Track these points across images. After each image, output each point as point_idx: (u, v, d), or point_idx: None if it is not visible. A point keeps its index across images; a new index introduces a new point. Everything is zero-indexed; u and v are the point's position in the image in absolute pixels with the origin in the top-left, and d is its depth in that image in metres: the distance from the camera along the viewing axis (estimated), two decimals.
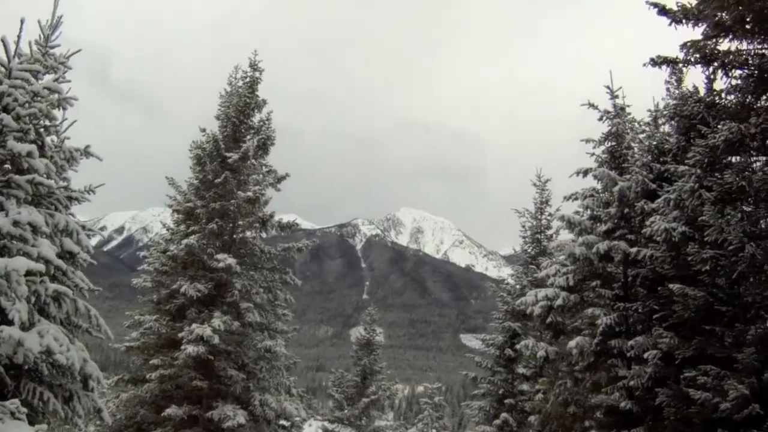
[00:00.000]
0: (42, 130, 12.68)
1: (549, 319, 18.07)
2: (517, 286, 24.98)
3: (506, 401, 23.38)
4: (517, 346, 20.45)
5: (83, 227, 13.08)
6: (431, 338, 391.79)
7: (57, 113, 12.91)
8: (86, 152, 13.42)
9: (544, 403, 19.35)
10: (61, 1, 13.10)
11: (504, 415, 22.81)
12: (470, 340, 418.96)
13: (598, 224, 17.87)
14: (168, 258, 21.80)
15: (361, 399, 27.64)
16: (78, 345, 12.21)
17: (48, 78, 12.87)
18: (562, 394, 17.99)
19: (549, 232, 24.99)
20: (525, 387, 23.24)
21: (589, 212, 18.32)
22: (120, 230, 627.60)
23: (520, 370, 23.51)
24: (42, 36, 13.05)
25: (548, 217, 25.11)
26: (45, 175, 11.58)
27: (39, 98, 12.04)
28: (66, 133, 13.29)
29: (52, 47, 13.14)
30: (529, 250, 25.27)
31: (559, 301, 17.37)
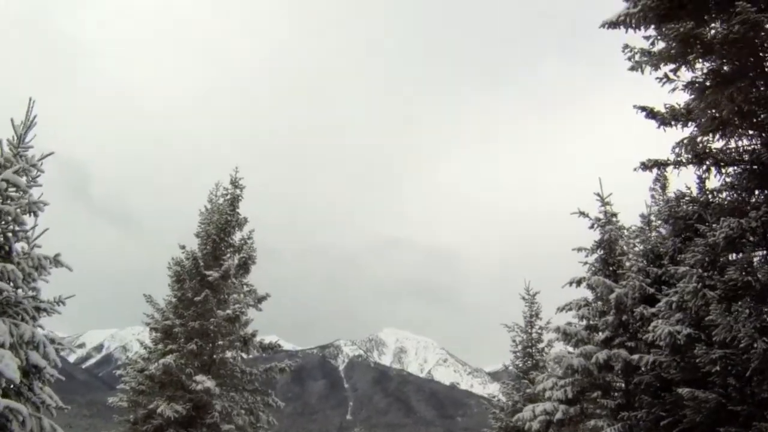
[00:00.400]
0: (10, 234, 11.89)
1: None
2: (509, 403, 23.91)
3: None
4: None
5: (52, 341, 12.11)
6: None
7: (28, 219, 12.11)
8: (56, 261, 12.38)
9: None
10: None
11: None
12: None
13: (595, 333, 17.28)
14: (145, 377, 20.79)
15: None
16: None
17: (9, 172, 11.96)
18: None
19: (540, 346, 24.14)
20: None
21: (584, 322, 17.74)
22: (99, 348, 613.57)
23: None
24: (15, 136, 12.46)
25: (539, 331, 24.35)
26: (11, 283, 10.79)
27: (8, 201, 11.36)
28: (40, 242, 12.38)
29: (25, 148, 12.51)
30: (520, 365, 24.34)
31: (558, 415, 16.53)
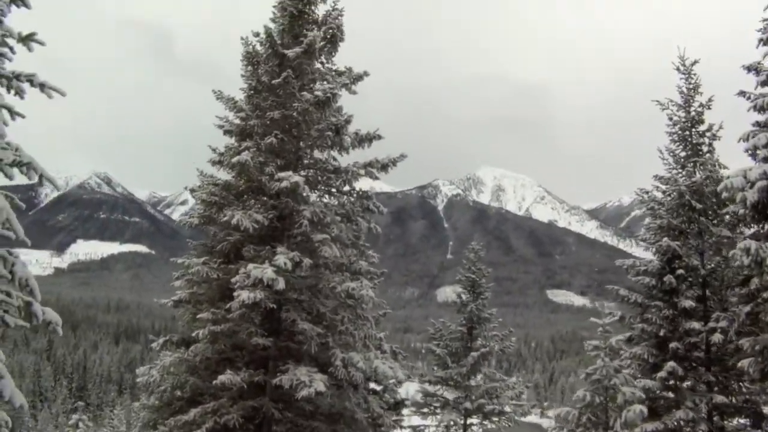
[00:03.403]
0: None
1: None
2: (668, 198, 18.98)
3: (670, 345, 17.38)
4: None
5: None
6: (517, 295, 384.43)
7: None
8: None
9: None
10: None
11: (670, 364, 16.98)
12: (556, 296, 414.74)
13: None
14: (217, 186, 16.99)
15: (469, 354, 22.10)
16: None
17: None
18: None
19: (701, 128, 18.82)
20: (694, 325, 17.24)
21: None
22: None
23: (685, 303, 17.50)
24: None
25: (698, 109, 18.90)
26: None
27: None
28: None
29: None
30: (677, 151, 19.13)
31: None
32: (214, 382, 14.56)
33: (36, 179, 10.48)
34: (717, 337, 16.81)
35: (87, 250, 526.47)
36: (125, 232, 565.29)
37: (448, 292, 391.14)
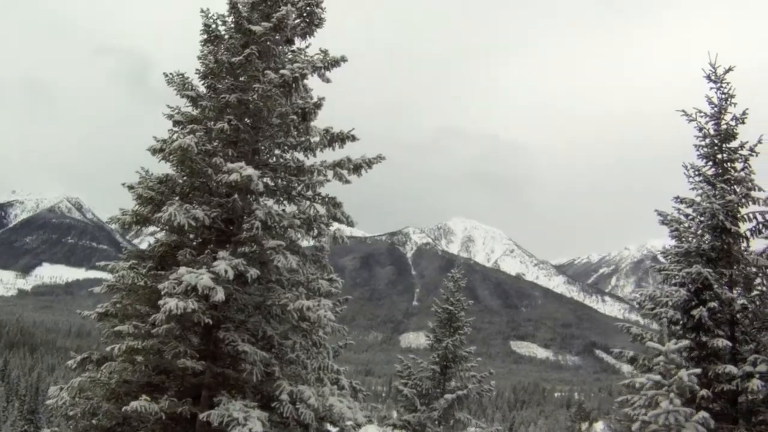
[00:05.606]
0: None
1: None
2: (699, 219, 16.12)
3: (699, 393, 13.76)
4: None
5: None
6: (481, 345, 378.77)
7: None
8: None
9: None
10: None
11: (701, 415, 12.60)
12: (520, 347, 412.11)
13: None
14: (155, 180, 14.19)
15: (442, 396, 18.99)
16: None
17: None
18: None
19: (733, 144, 16.13)
20: (731, 369, 14.07)
21: None
22: None
23: (718, 342, 14.29)
24: None
25: (731, 122, 16.26)
26: None
27: None
28: None
29: None
30: (704, 169, 16.39)
31: None
32: (123, 408, 11.62)
33: None
34: (755, 384, 13.91)
35: (52, 273, 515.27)
36: (92, 258, 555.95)
37: (411, 338, 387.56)
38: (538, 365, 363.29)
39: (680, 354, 10.65)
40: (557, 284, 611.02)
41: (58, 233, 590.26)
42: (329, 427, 14.97)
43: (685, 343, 10.85)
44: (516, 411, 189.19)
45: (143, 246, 15.64)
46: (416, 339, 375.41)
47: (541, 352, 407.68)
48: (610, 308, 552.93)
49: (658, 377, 10.93)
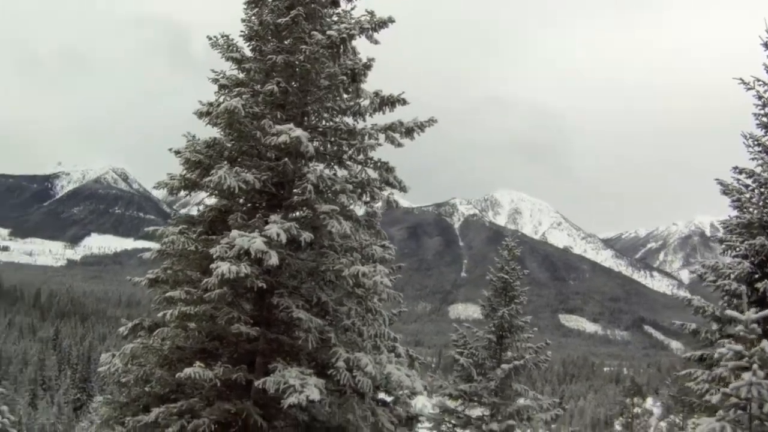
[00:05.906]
0: None
1: None
2: (760, 189, 15.52)
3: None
4: None
5: None
6: (529, 317, 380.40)
7: None
8: None
9: None
10: None
11: None
12: (568, 321, 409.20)
13: None
14: (202, 144, 13.92)
15: (498, 366, 18.61)
16: None
17: None
18: None
19: None
20: None
21: None
22: None
23: None
24: None
25: None
26: None
27: None
28: None
29: None
30: (763, 139, 15.74)
31: None
32: (177, 375, 11.48)
33: None
34: None
35: (101, 243, 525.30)
36: (140, 228, 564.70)
37: (460, 309, 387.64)
38: (586, 339, 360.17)
39: (759, 324, 9.95)
40: (605, 258, 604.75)
41: (105, 204, 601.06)
42: (382, 395, 14.72)
43: (766, 311, 10.13)
44: (565, 384, 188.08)
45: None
46: (465, 310, 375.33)
47: (590, 326, 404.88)
48: (658, 284, 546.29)
49: (739, 347, 10.03)
